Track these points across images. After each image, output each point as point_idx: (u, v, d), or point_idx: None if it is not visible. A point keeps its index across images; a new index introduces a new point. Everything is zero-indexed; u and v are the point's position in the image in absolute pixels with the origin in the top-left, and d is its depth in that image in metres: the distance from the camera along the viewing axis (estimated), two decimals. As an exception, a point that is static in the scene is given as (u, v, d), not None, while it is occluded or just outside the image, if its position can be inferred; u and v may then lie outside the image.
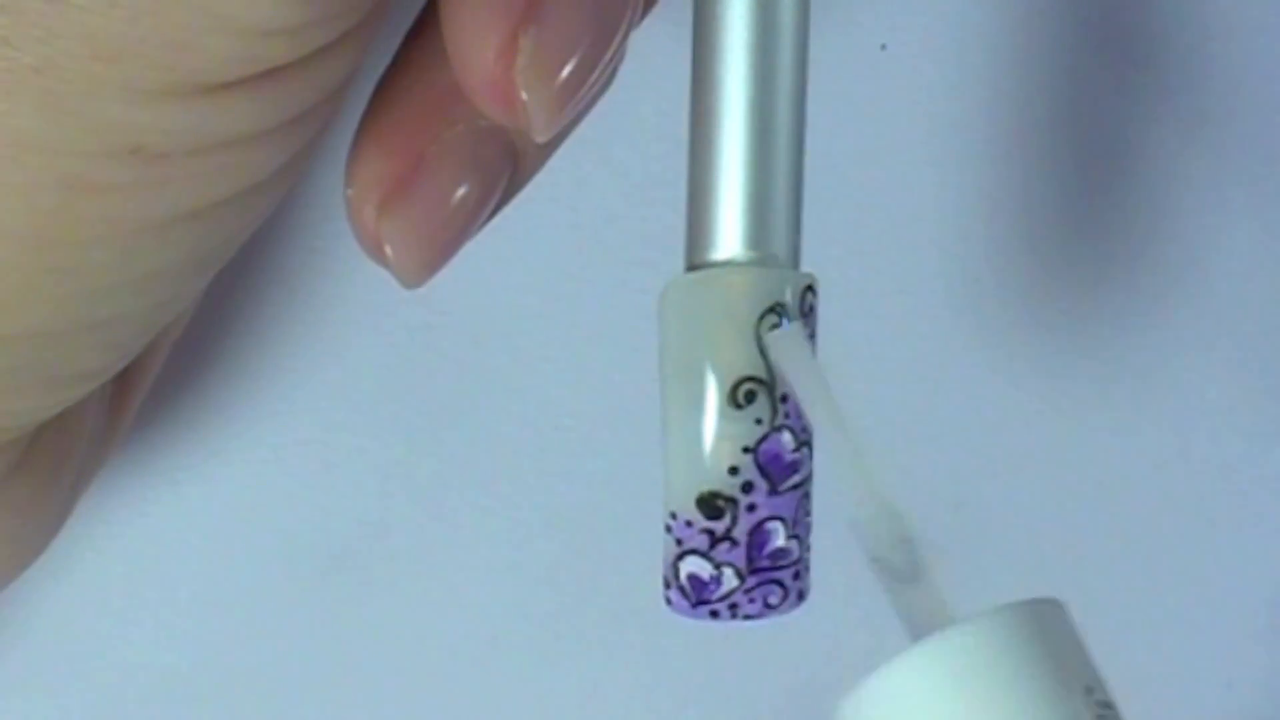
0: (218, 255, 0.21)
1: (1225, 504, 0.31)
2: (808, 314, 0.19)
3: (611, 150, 0.30)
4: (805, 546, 0.20)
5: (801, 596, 0.20)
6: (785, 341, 0.19)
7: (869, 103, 0.30)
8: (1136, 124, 0.31)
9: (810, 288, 0.20)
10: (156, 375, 0.27)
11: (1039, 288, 0.31)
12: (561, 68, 0.19)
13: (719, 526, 0.19)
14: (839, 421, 0.19)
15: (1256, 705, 0.31)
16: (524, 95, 0.19)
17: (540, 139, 0.20)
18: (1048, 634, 0.17)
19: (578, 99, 0.19)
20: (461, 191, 0.21)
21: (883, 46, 0.30)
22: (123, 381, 0.25)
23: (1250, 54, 0.30)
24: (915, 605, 0.18)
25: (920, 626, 0.18)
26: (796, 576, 0.20)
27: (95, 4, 0.17)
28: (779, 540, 0.20)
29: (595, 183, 0.30)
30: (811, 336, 0.20)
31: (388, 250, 0.21)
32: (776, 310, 0.19)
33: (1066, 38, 0.30)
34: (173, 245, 0.20)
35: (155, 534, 0.30)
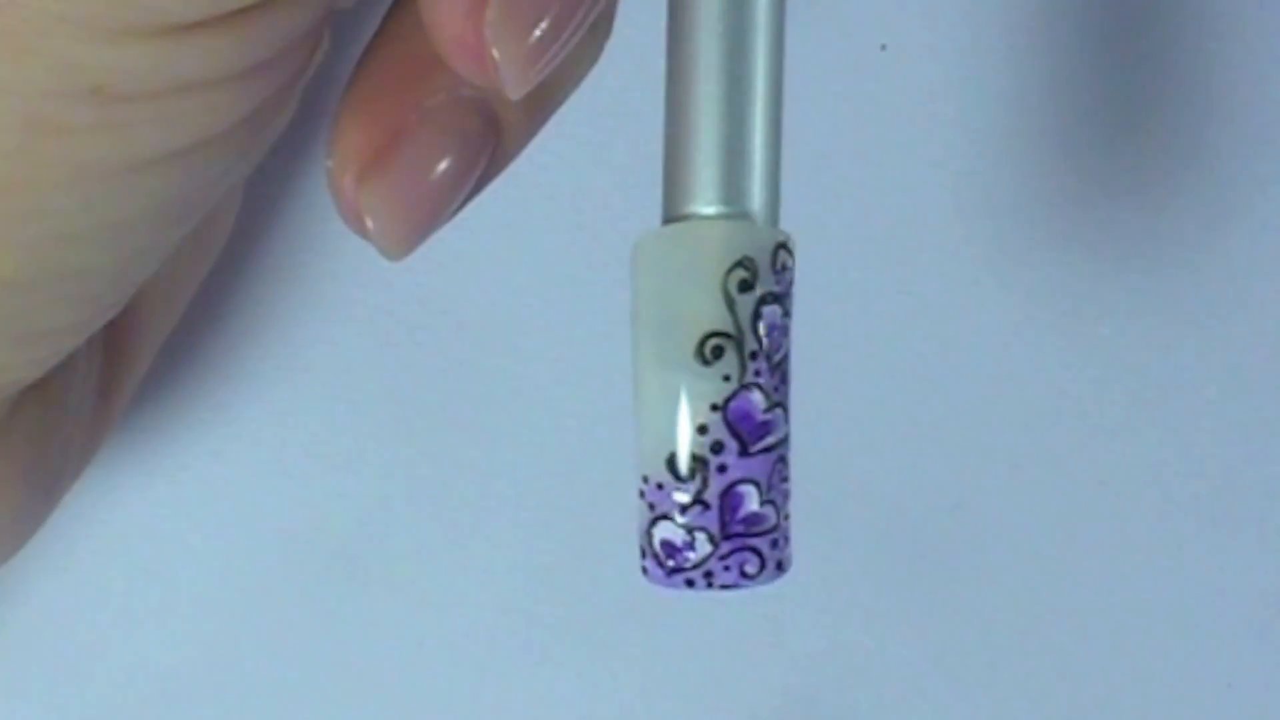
0: (186, 210, 0.21)
1: (1225, 504, 0.31)
2: (780, 272, 0.19)
3: (611, 150, 0.30)
4: (783, 514, 0.20)
5: (781, 567, 0.20)
6: None
7: (869, 103, 0.30)
8: (1136, 124, 0.31)
9: (784, 245, 0.19)
10: (148, 371, 0.27)
11: (1039, 288, 0.31)
12: (534, 26, 0.19)
13: (690, 488, 0.19)
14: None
15: (1256, 705, 0.31)
16: (494, 53, 0.19)
17: (514, 97, 0.19)
18: None
19: (549, 56, 0.19)
20: (443, 161, 0.20)
21: (883, 46, 0.30)
22: (110, 369, 0.25)
23: (1250, 54, 0.30)
24: None
25: None
26: (774, 545, 0.20)
27: None
28: (753, 505, 0.19)
29: (595, 182, 0.30)
30: (785, 295, 0.19)
31: (368, 221, 0.21)
32: (745, 265, 0.19)
33: (1066, 38, 0.30)
34: (137, 193, 0.20)
35: (155, 534, 0.30)
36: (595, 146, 0.30)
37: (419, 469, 0.30)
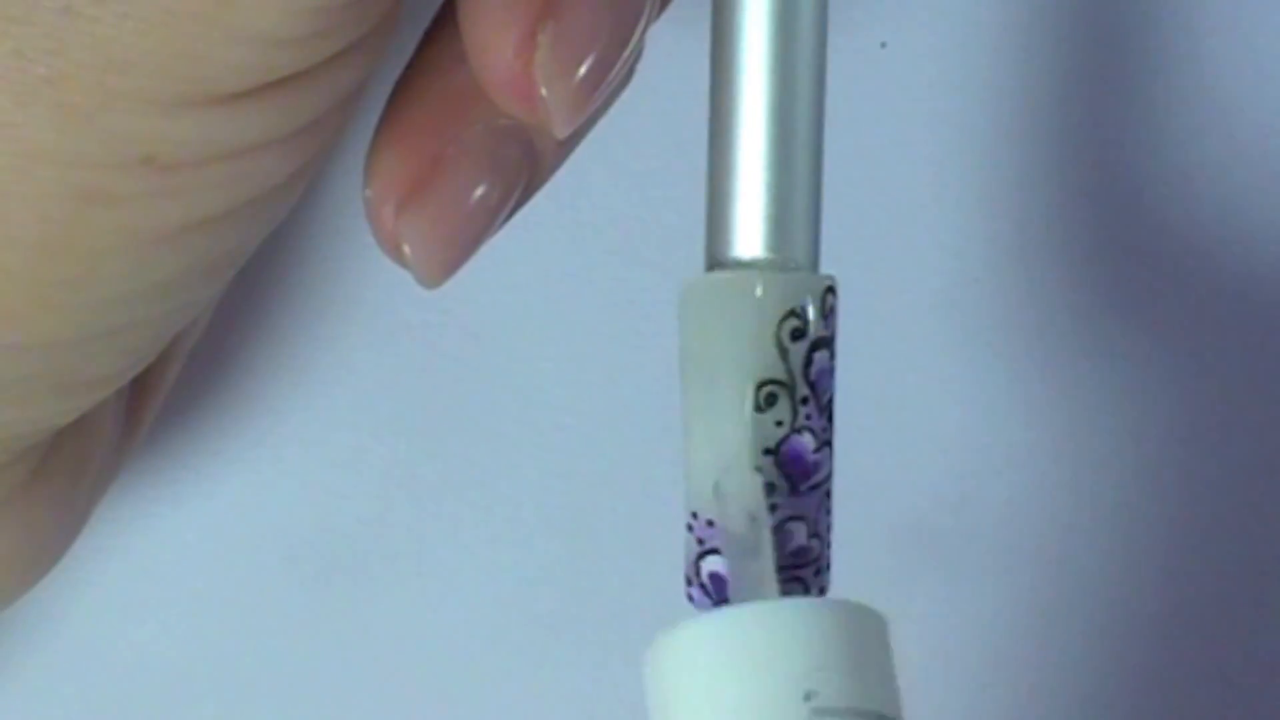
0: (230, 262, 0.21)
1: (1225, 504, 0.31)
2: (828, 316, 0.19)
3: (612, 150, 0.30)
4: (825, 544, 0.20)
5: (822, 592, 0.20)
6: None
7: (869, 103, 0.30)
8: (1136, 123, 0.31)
9: (830, 289, 0.20)
10: (173, 383, 0.27)
11: (1038, 287, 0.31)
12: (580, 63, 0.19)
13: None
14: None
15: (1256, 705, 0.31)
16: (543, 91, 0.19)
17: (561, 135, 0.20)
18: (810, 634, 0.17)
19: (597, 94, 0.19)
20: (480, 190, 0.21)
21: (883, 46, 0.30)
22: (139, 389, 0.25)
23: (1250, 54, 0.30)
24: (746, 576, 0.19)
25: (741, 594, 0.19)
26: (818, 573, 0.20)
27: (106, 15, 0.17)
28: (800, 539, 0.20)
29: (595, 183, 0.30)
30: (832, 337, 0.20)
31: (406, 250, 0.21)
32: (796, 314, 0.19)
33: (1067, 37, 0.30)
34: (185, 254, 0.20)
35: (155, 534, 0.30)
36: (596, 145, 0.30)
37: (419, 469, 0.30)
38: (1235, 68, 0.30)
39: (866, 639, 0.18)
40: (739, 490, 0.19)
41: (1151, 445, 0.31)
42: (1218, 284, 0.31)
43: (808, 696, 0.17)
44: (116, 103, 0.18)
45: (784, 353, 0.19)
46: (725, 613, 0.18)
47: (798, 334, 0.19)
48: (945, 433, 0.31)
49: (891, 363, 0.31)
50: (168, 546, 0.30)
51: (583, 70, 0.19)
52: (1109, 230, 0.31)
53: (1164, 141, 0.31)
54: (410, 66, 0.21)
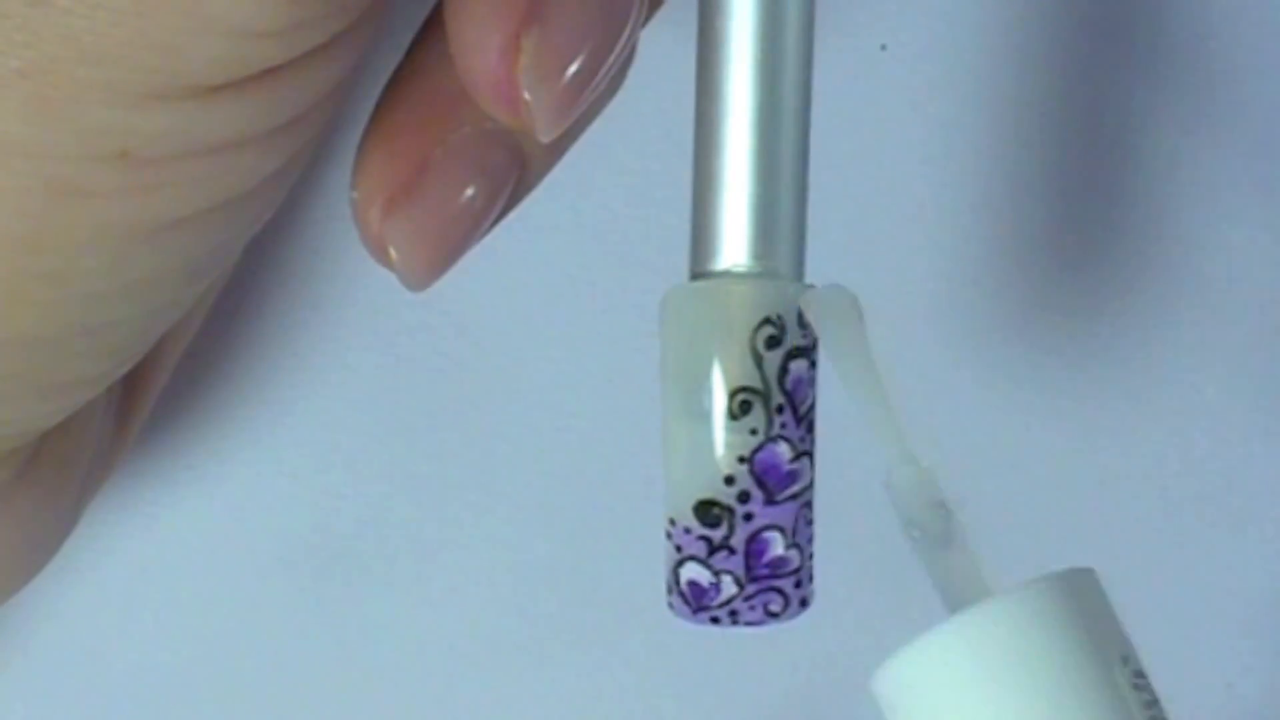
0: (211, 263, 0.21)
1: (1225, 504, 0.31)
2: (807, 326, 0.19)
3: (611, 151, 0.30)
4: (807, 555, 0.20)
5: (804, 604, 0.20)
6: (828, 300, 0.19)
7: (869, 103, 0.30)
8: (1136, 124, 0.31)
9: None
10: (163, 388, 0.27)
11: (1038, 288, 0.31)
12: (565, 68, 0.19)
13: (716, 534, 0.19)
14: (877, 384, 0.19)
15: (1256, 705, 0.31)
16: (527, 96, 0.19)
17: (545, 139, 0.20)
18: (1083, 605, 0.18)
19: (582, 100, 0.19)
20: (467, 194, 0.21)
21: (883, 46, 0.30)
22: (129, 393, 0.25)
23: (1250, 54, 0.30)
24: (950, 572, 0.19)
25: (955, 594, 0.19)
26: (798, 585, 0.20)
27: (79, 6, 0.17)
28: (778, 549, 0.20)
29: (595, 183, 0.30)
30: (813, 346, 0.20)
31: (392, 253, 0.21)
32: (772, 322, 0.19)
33: (1066, 38, 0.30)
34: (164, 252, 0.20)
35: (155, 534, 0.30)
36: (595, 146, 0.30)
37: (419, 469, 0.30)
38: (1235, 68, 0.30)
39: (1099, 593, 0.18)
40: (915, 481, 0.19)
41: (1150, 446, 0.31)
42: (1217, 284, 0.31)
43: (1125, 660, 0.17)
44: (90, 95, 0.18)
45: (759, 360, 0.19)
46: (978, 615, 0.18)
47: (773, 342, 0.19)
48: (944, 434, 0.31)
49: (889, 364, 0.31)
50: (168, 547, 0.30)
51: (567, 75, 0.19)
52: (1107, 231, 0.31)
53: (1163, 142, 0.31)
54: (399, 69, 0.21)
